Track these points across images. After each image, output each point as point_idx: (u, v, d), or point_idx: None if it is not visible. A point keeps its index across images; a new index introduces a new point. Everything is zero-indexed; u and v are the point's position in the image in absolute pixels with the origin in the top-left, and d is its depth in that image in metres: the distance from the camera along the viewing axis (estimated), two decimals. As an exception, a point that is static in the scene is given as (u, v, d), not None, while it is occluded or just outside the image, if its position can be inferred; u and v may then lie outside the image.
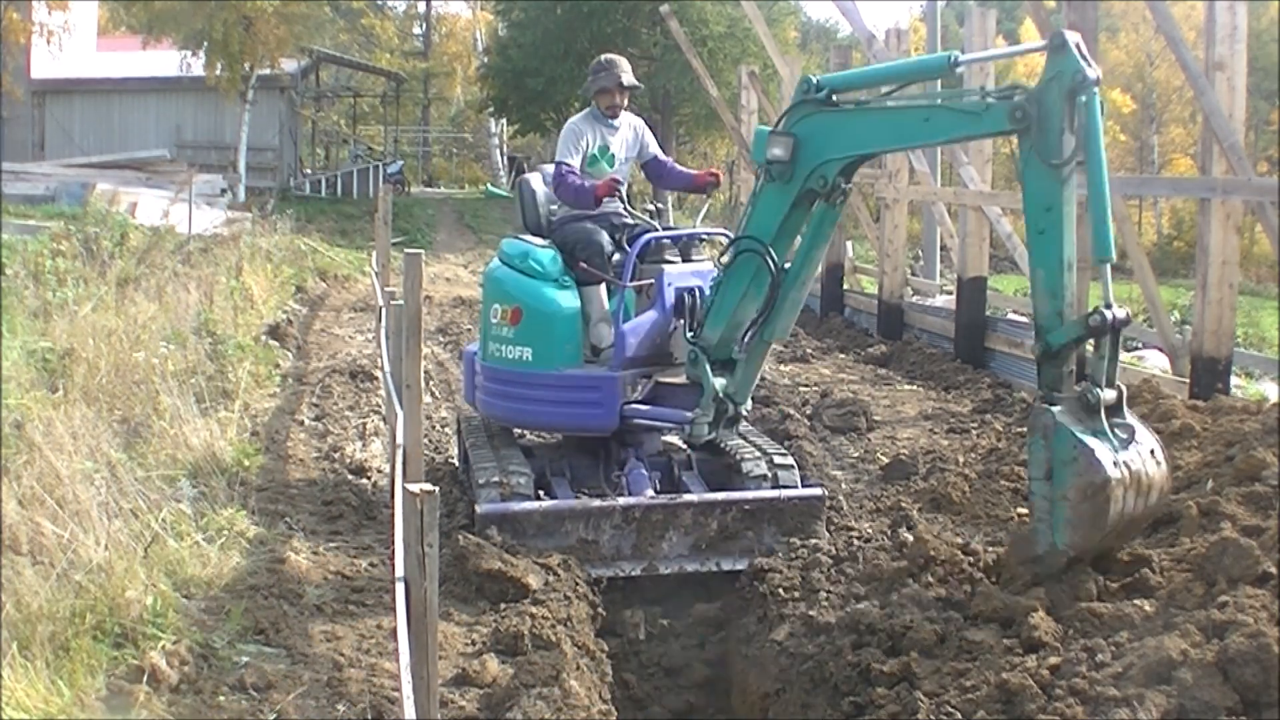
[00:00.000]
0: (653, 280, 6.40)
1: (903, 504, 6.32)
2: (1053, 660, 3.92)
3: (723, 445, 6.50)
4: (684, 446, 6.74)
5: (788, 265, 5.86)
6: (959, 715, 3.85)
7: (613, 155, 6.79)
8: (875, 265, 15.83)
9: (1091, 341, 4.78)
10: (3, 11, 21.19)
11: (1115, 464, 4.59)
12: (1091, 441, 4.61)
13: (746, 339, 6.06)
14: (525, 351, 6.42)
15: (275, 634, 4.86)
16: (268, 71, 27.51)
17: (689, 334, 6.16)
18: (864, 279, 17.18)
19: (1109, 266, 4.83)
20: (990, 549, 5.12)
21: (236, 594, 5.21)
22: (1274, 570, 4.04)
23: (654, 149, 7.03)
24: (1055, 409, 4.74)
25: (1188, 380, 8.58)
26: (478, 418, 7.15)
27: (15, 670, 4.02)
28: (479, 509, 5.90)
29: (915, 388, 10.94)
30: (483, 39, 44.19)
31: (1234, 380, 8.61)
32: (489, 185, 39.57)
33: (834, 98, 5.54)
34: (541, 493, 6.32)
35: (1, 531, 4.75)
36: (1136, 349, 12.54)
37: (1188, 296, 18.68)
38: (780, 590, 5.09)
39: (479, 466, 6.31)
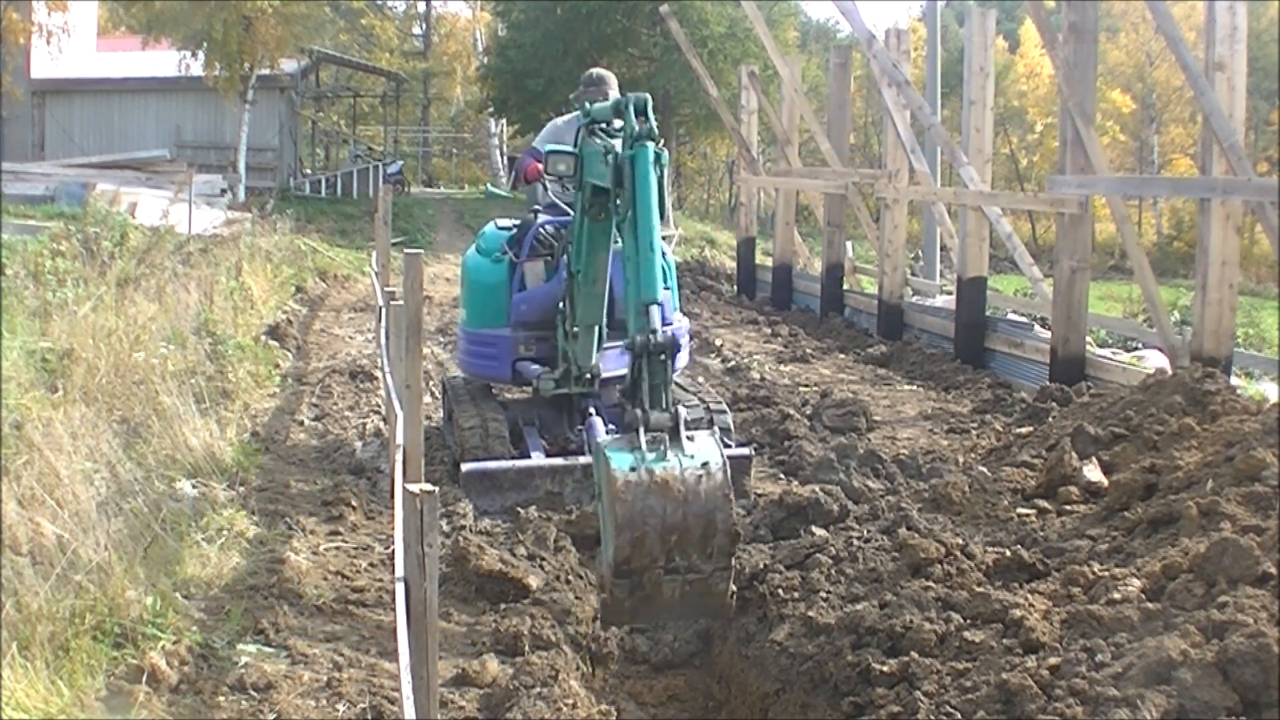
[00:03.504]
0: (554, 258, 7.40)
1: (903, 504, 6.32)
2: (1053, 660, 3.92)
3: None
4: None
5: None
6: (959, 715, 3.84)
7: None
8: (875, 265, 15.83)
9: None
10: (3, 11, 21.18)
11: (632, 469, 4.45)
12: (614, 454, 4.53)
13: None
14: (462, 313, 7.94)
15: (275, 634, 4.86)
16: (267, 71, 27.51)
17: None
18: (864, 279, 17.18)
19: (658, 306, 4.85)
20: (990, 549, 5.12)
21: (236, 594, 5.21)
22: (1274, 570, 4.04)
23: None
24: (602, 435, 4.89)
25: (1188, 380, 8.58)
26: (459, 378, 8.32)
27: (15, 670, 4.02)
28: (464, 468, 6.75)
29: (915, 388, 10.94)
30: (482, 39, 44.19)
31: (1234, 380, 8.61)
32: (489, 185, 39.55)
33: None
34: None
35: (1, 531, 4.75)
36: (1137, 349, 12.55)
37: (1188, 296, 18.69)
38: (780, 590, 5.08)
39: (463, 414, 7.37)
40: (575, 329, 6.97)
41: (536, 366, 7.35)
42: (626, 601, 4.50)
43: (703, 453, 4.56)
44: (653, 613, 4.63)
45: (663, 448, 4.54)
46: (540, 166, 7.43)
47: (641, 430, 4.56)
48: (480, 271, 7.72)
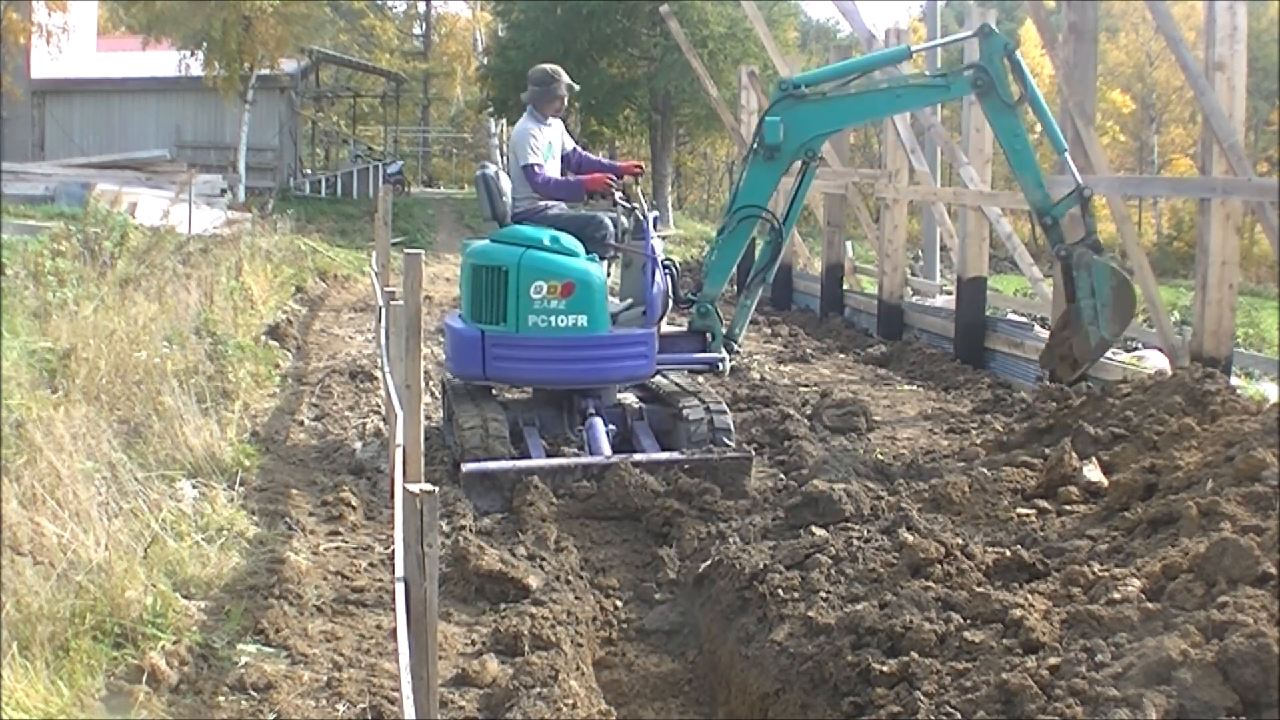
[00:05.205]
0: (640, 253, 7.60)
1: (903, 504, 6.33)
2: (1053, 660, 3.92)
3: (667, 396, 7.83)
4: (635, 400, 7.96)
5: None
6: (959, 715, 3.84)
7: (551, 149, 7.84)
8: (875, 265, 15.83)
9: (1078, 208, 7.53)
10: (3, 11, 21.18)
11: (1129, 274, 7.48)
12: (1117, 266, 7.54)
13: (748, 283, 8.05)
14: (581, 318, 7.25)
15: (275, 634, 4.86)
16: (267, 71, 27.50)
17: (690, 294, 7.87)
18: (864, 279, 17.18)
19: (1068, 155, 7.78)
20: (990, 549, 5.12)
21: (236, 594, 5.21)
22: (1274, 570, 4.04)
23: (570, 143, 8.10)
24: (1086, 254, 7.40)
25: (1188, 380, 8.56)
26: (459, 381, 7.98)
27: (15, 670, 4.02)
28: (464, 468, 6.78)
29: (915, 388, 10.94)
30: (482, 39, 44.19)
31: (1234, 380, 8.61)
32: (489, 185, 39.48)
33: (806, 91, 7.60)
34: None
35: (1, 531, 4.75)
36: (1136, 349, 12.53)
37: (1188, 296, 18.68)
38: (780, 590, 5.08)
39: (464, 414, 7.31)
40: (746, 302, 8.00)
41: (682, 355, 7.71)
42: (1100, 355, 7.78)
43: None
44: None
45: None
46: (610, 178, 7.66)
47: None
48: (594, 274, 7.33)
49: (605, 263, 7.56)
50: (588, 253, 7.39)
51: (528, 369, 7.43)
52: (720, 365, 7.79)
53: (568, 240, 7.41)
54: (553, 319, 7.25)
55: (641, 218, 7.64)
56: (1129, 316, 7.49)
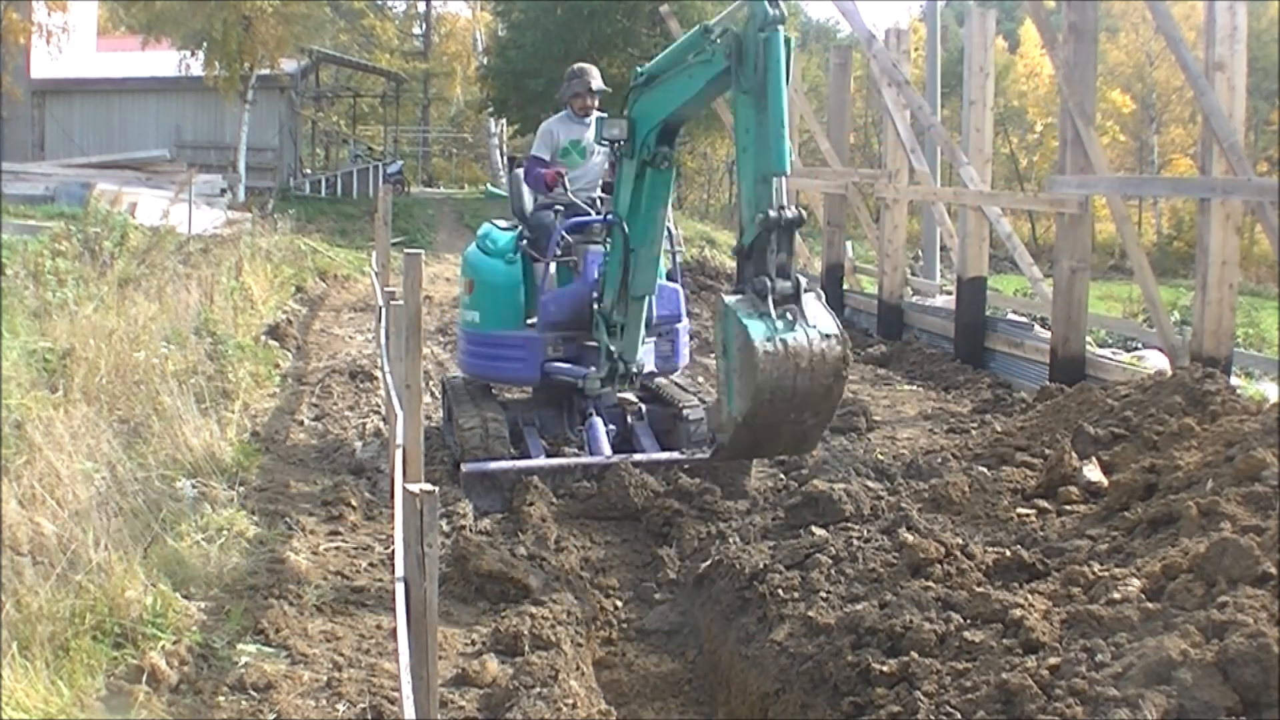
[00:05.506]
0: (576, 258, 7.43)
1: (903, 504, 6.32)
2: (1053, 660, 3.92)
3: (667, 396, 7.77)
4: (636, 400, 7.71)
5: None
6: (959, 715, 3.84)
7: (584, 148, 7.73)
8: (875, 265, 15.84)
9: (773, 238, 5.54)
10: (3, 11, 21.18)
11: (768, 339, 5.20)
12: (749, 321, 5.26)
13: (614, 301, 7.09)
14: (475, 315, 7.71)
15: (275, 634, 4.86)
16: (267, 71, 27.49)
17: (596, 304, 7.21)
18: (864, 279, 17.19)
19: (784, 179, 5.56)
20: (990, 549, 5.12)
21: (236, 594, 5.21)
22: (1274, 570, 4.04)
23: None
24: (729, 297, 5.48)
25: (1188, 380, 8.56)
26: (459, 379, 8.27)
27: (15, 670, 4.02)
28: (464, 468, 6.84)
29: (915, 388, 10.94)
30: (482, 39, 44.17)
31: (1234, 380, 8.62)
32: (489, 185, 39.54)
33: (647, 82, 6.46)
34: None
35: (1, 531, 4.75)
36: (1136, 349, 12.54)
37: (1188, 296, 18.68)
38: (780, 590, 5.08)
39: (464, 414, 7.34)
40: (621, 320, 7.01)
41: (568, 366, 7.33)
42: (744, 445, 5.51)
43: (822, 322, 5.29)
44: (760, 452, 5.83)
45: (790, 317, 5.31)
46: (559, 173, 7.52)
47: (770, 298, 5.35)
48: (496, 274, 7.63)
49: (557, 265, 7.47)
50: (539, 255, 7.47)
51: (461, 358, 8.11)
52: (582, 382, 7.15)
53: (500, 240, 7.78)
54: (463, 313, 7.97)
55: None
56: (751, 392, 5.20)
